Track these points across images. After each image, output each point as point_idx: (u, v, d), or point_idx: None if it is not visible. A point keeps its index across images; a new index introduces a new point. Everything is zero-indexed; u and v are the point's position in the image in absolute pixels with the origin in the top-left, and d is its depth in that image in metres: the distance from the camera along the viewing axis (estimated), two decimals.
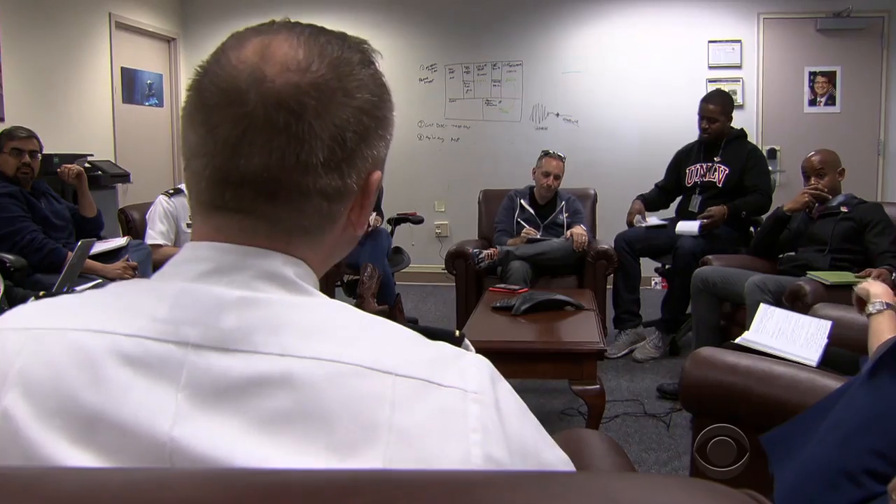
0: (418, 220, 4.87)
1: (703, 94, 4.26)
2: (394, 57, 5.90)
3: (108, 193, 4.81)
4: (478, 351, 0.65)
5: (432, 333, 0.63)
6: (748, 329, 2.37)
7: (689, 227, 3.87)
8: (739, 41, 5.79)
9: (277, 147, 0.58)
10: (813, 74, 5.79)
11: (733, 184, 3.94)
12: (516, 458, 0.58)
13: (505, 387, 0.61)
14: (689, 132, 4.26)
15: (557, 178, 4.15)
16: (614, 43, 5.90)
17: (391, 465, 0.53)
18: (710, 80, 5.73)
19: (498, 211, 4.33)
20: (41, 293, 0.71)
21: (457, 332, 0.67)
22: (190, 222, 3.16)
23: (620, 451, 1.15)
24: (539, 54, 6.01)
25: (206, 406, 0.54)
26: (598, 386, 2.51)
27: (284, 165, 0.58)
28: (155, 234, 3.61)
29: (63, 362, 0.56)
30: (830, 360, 2.02)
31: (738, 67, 5.80)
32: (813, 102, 5.82)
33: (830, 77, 5.77)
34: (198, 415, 0.54)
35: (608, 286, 4.06)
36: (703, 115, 4.01)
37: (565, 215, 4.19)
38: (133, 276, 3.25)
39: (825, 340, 2.11)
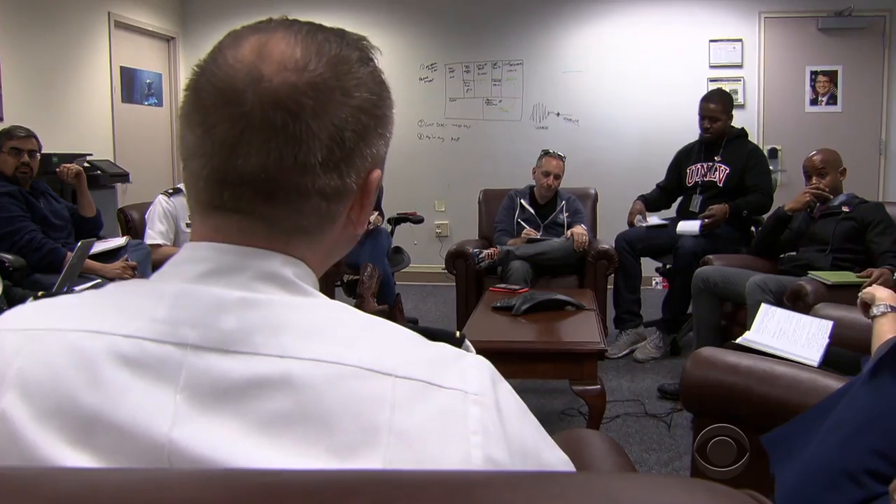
0: (418, 220, 4.86)
1: (704, 93, 4.25)
2: (394, 56, 5.90)
3: (108, 193, 4.81)
4: (478, 351, 0.65)
5: (432, 334, 0.63)
6: (749, 329, 2.37)
7: (689, 226, 3.87)
8: (740, 40, 5.79)
9: (275, 147, 0.58)
10: (814, 74, 5.78)
11: (734, 183, 3.94)
12: (517, 460, 0.58)
13: (505, 388, 0.61)
14: (690, 132, 4.26)
15: (558, 177, 4.15)
16: (615, 42, 5.90)
17: (391, 466, 0.53)
18: (711, 80, 5.73)
19: (498, 211, 4.33)
20: (40, 293, 0.70)
21: (457, 333, 0.66)
22: (189, 222, 3.15)
23: (621, 452, 1.15)
24: (539, 53, 6.01)
25: (206, 408, 0.54)
26: (598, 386, 2.51)
27: (282, 166, 0.58)
28: (154, 233, 3.60)
29: (61, 363, 0.56)
30: (832, 361, 2.02)
31: (740, 67, 5.80)
32: (814, 102, 5.82)
33: (832, 76, 5.77)
34: (197, 416, 0.54)
35: (609, 286, 4.05)
36: (705, 114, 4.00)
37: (566, 215, 4.19)
38: (132, 276, 3.24)
39: (826, 340, 2.11)
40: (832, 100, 5.80)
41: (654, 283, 5.52)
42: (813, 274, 3.02)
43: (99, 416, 0.54)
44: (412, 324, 0.65)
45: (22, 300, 2.58)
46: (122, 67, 5.50)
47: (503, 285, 3.58)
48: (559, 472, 0.61)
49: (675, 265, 3.89)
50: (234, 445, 0.53)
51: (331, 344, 0.57)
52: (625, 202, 4.36)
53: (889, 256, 3.04)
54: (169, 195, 3.67)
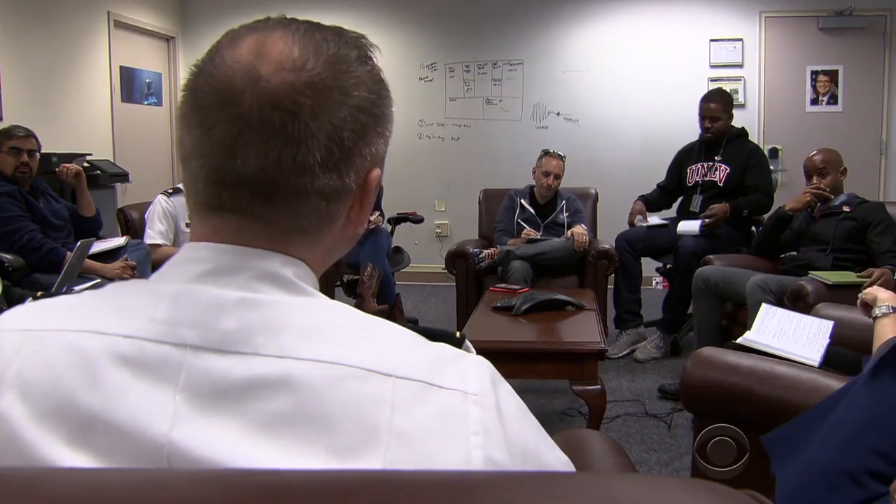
0: (418, 220, 4.86)
1: (705, 93, 4.25)
2: (394, 56, 5.90)
3: (107, 193, 4.81)
4: (478, 351, 0.65)
5: (432, 334, 0.63)
6: (750, 329, 2.37)
7: (690, 226, 3.87)
8: (741, 40, 5.79)
9: (273, 148, 0.57)
10: (815, 73, 5.78)
11: (734, 183, 3.94)
12: (517, 460, 0.58)
13: (506, 388, 0.61)
14: (691, 131, 4.26)
15: (558, 177, 4.15)
16: (615, 42, 5.90)
17: (391, 467, 0.53)
18: (712, 79, 5.73)
19: (498, 210, 4.33)
20: (39, 293, 0.70)
21: (457, 334, 0.66)
22: (189, 222, 3.15)
23: (621, 452, 1.15)
24: (540, 53, 6.01)
25: (205, 408, 0.54)
26: (598, 386, 2.51)
27: (281, 166, 0.58)
28: (154, 233, 3.60)
29: (60, 363, 0.56)
30: (832, 361, 2.01)
31: (740, 66, 5.80)
32: (815, 101, 5.81)
33: (832, 76, 5.77)
34: (196, 417, 0.54)
35: (609, 286, 4.05)
36: (705, 114, 4.00)
37: (566, 215, 4.18)
38: (132, 276, 3.24)
39: (827, 340, 2.11)
40: (833, 99, 5.79)
41: (654, 283, 5.52)
42: (813, 274, 3.02)
43: (98, 417, 0.54)
44: (412, 324, 0.64)
45: (21, 300, 2.58)
46: (121, 67, 5.50)
47: (503, 285, 3.58)
48: (559, 473, 0.61)
49: (676, 265, 3.89)
50: (233, 446, 0.53)
51: (331, 344, 0.56)
52: (625, 202, 4.36)
53: (890, 256, 3.04)
54: (168, 195, 3.67)
